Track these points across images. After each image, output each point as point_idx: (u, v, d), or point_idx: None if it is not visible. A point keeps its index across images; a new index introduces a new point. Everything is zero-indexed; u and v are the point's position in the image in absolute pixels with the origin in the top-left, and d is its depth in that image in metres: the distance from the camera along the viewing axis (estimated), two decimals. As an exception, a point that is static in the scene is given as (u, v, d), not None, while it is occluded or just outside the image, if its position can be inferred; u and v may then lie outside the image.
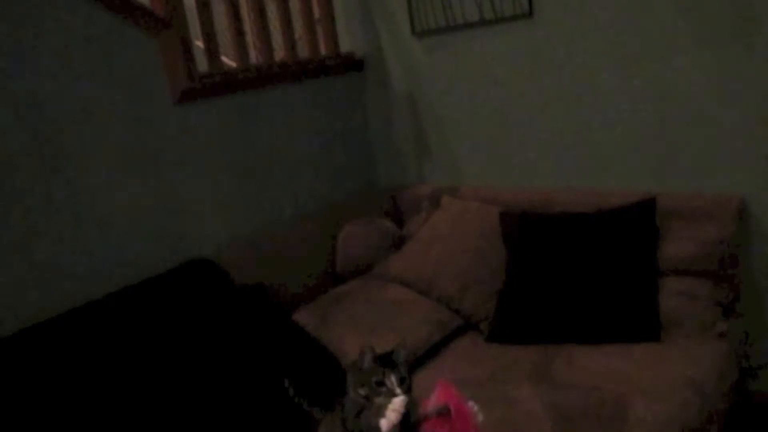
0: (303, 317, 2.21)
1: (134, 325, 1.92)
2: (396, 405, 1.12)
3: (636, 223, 2.08)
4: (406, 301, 2.21)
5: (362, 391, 1.23)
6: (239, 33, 2.49)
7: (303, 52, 2.83)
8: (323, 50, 2.88)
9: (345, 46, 2.96)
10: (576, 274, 2.03)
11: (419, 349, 2.00)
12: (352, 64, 2.94)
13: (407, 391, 1.20)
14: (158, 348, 1.87)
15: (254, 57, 2.86)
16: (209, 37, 2.37)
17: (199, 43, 2.44)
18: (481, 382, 1.82)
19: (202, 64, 2.35)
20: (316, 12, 2.83)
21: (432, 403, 1.04)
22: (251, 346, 1.97)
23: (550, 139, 2.46)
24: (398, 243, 2.58)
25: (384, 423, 1.07)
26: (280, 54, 2.79)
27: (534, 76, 2.44)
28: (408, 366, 1.27)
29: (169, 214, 2.26)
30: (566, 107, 2.38)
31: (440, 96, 2.75)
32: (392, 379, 1.20)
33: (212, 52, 2.39)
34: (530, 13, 2.37)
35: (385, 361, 1.26)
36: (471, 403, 1.20)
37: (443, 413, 0.97)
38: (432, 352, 2.03)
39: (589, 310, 1.97)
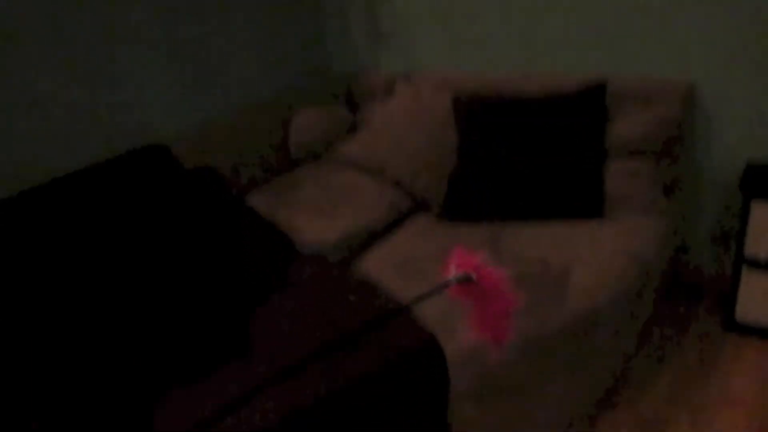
0: (256, 201, 2.21)
1: (82, 209, 1.87)
2: None
3: (586, 107, 2.11)
4: (360, 184, 2.23)
5: None
6: None
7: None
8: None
9: None
10: (526, 155, 2.07)
11: (372, 228, 2.03)
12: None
13: None
14: (107, 232, 1.84)
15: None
16: None
17: None
18: (432, 257, 1.88)
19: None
20: None
21: (451, 272, 0.95)
22: (205, 228, 1.97)
23: (502, 24, 2.42)
24: (352, 129, 2.56)
25: None
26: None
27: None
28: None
29: (117, 105, 2.17)
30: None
31: (394, -24, 2.65)
32: None
33: None
34: None
35: None
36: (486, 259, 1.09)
37: (465, 280, 0.91)
38: (386, 231, 2.07)
39: (537, 189, 2.02)
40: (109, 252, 1.79)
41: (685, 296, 2.34)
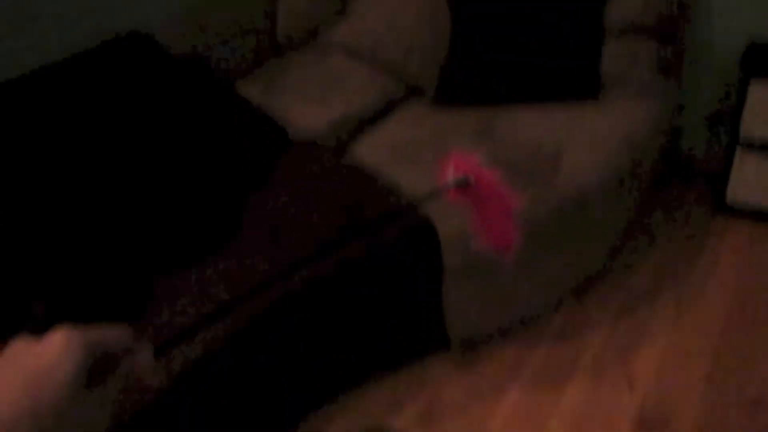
0: (245, 89, 2.16)
1: (71, 97, 1.83)
2: None
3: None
4: (351, 69, 2.17)
5: None
6: None
7: None
8: None
9: None
10: (521, 36, 1.99)
11: (365, 114, 2.00)
12: None
13: None
14: (98, 117, 1.81)
15: None
16: None
17: None
18: (426, 142, 1.87)
19: None
20: None
21: (449, 175, 0.94)
22: (196, 116, 1.93)
23: None
24: (341, 12, 2.45)
25: None
26: None
27: None
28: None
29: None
30: None
31: None
32: None
33: None
34: None
35: None
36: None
37: (462, 185, 0.90)
38: (378, 117, 2.04)
39: (532, 71, 1.97)
40: (102, 137, 1.77)
41: (677, 179, 2.35)
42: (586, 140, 1.79)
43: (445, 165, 0.93)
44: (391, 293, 1.72)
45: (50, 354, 0.39)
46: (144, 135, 1.82)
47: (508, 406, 1.70)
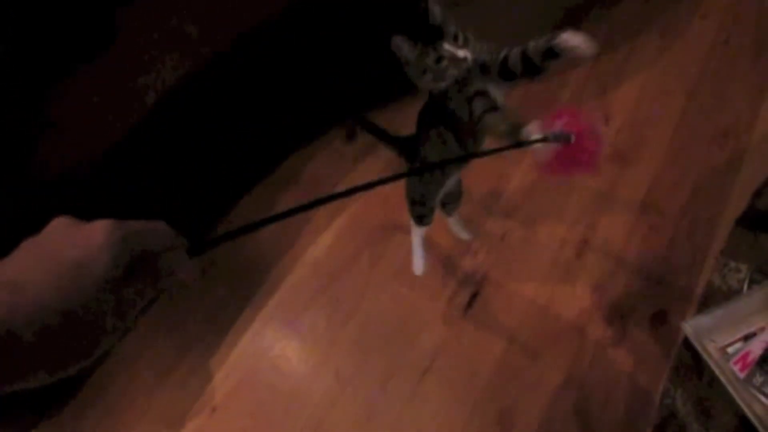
0: None
1: None
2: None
3: None
4: None
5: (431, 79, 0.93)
6: None
7: None
8: None
9: None
10: None
11: None
12: None
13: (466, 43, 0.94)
14: None
15: None
16: None
17: None
18: None
19: None
20: None
21: (556, 126, 0.82)
22: None
23: None
24: None
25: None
26: None
27: None
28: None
29: None
30: None
31: None
32: (448, 48, 0.90)
33: None
34: None
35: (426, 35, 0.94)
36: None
37: (562, 140, 0.78)
38: None
39: None
40: None
41: None
42: None
43: (557, 120, 0.82)
44: (362, 29, 1.60)
45: (90, 245, 0.37)
46: None
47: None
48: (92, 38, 1.27)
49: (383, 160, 1.71)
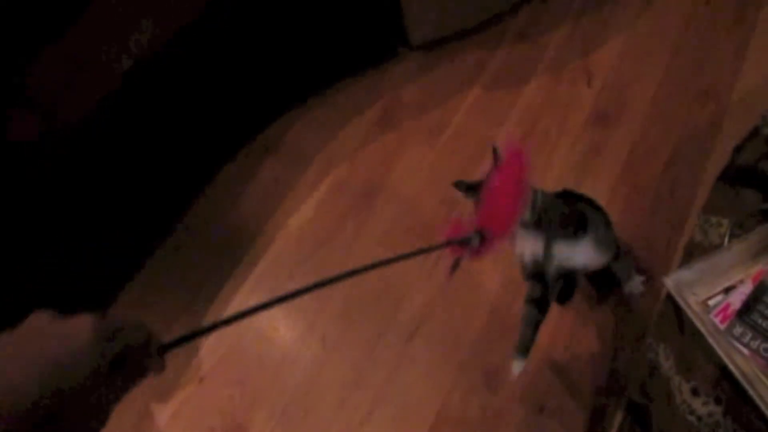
0: None
1: None
2: None
3: None
4: None
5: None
6: None
7: None
8: None
9: None
10: None
11: None
12: None
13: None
14: None
15: None
16: None
17: None
18: None
19: None
20: None
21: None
22: None
23: None
24: None
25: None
26: None
27: None
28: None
29: None
30: None
31: None
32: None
33: None
34: None
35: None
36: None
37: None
38: None
39: None
40: None
41: None
42: None
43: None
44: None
45: (77, 339, 0.39)
46: None
47: (468, 104, 1.70)
48: (60, 11, 1.23)
49: (364, 128, 1.69)
